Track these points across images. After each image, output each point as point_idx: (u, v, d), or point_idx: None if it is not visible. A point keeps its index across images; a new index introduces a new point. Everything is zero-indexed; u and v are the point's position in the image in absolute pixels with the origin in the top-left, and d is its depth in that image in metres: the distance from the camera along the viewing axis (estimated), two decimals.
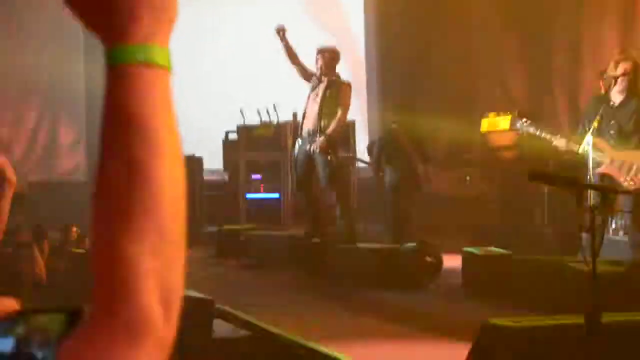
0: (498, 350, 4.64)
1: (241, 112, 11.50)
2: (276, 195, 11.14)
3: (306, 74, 8.43)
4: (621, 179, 6.64)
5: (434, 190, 10.38)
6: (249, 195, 11.20)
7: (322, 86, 8.34)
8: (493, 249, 7.07)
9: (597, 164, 6.79)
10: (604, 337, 3.98)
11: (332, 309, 7.08)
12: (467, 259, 6.78)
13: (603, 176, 6.70)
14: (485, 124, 9.98)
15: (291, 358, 5.38)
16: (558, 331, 4.91)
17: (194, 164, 11.43)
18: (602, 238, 6.89)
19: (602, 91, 8.56)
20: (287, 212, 11.06)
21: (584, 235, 6.12)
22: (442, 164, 10.79)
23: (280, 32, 8.60)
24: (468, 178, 10.56)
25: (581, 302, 5.20)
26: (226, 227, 10.02)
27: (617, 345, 4.59)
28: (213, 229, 10.38)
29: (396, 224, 9.15)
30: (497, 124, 9.83)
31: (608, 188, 6.20)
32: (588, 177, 7.33)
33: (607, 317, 4.08)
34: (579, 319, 4.19)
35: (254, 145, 11.28)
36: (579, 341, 4.08)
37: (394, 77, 12.70)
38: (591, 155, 7.30)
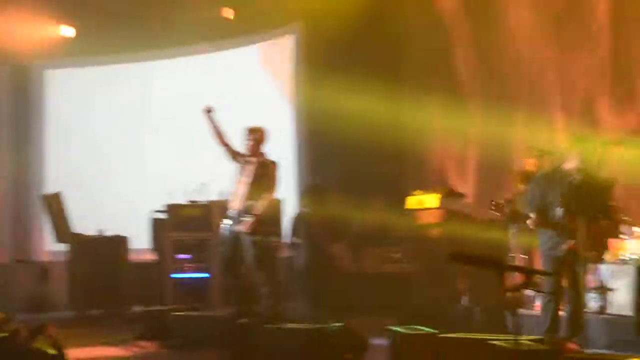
0: None
1: (169, 191, 11.48)
2: (205, 275, 11.12)
3: (234, 155, 8.49)
4: (591, 253, 7.00)
5: (361, 268, 10.60)
6: (176, 275, 11.16)
7: (250, 166, 8.40)
8: (418, 327, 7.17)
9: (560, 241, 6.89)
10: None
11: None
12: (394, 337, 6.75)
13: (570, 250, 6.83)
14: (413, 202, 10.15)
15: None
16: None
17: (119, 243, 11.62)
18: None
19: (533, 168, 8.76)
20: (215, 292, 11.01)
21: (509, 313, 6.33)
22: (369, 242, 10.96)
23: (208, 112, 8.70)
24: (397, 255, 10.69)
25: None
26: (152, 307, 9.94)
27: None
28: (139, 309, 10.37)
29: (310, 303, 9.33)
30: (424, 202, 10.00)
31: (529, 269, 6.52)
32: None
33: None
34: None
35: (182, 224, 11.30)
36: None
37: (323, 156, 12.90)
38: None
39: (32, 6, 12.84)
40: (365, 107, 11.36)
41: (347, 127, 11.67)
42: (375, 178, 11.72)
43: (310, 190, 10.55)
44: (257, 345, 7.85)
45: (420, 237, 10.11)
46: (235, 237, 8.40)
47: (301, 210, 10.24)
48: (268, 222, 8.91)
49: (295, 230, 9.81)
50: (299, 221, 9.80)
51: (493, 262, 4.89)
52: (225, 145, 8.50)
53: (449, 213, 9.74)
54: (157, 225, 11.66)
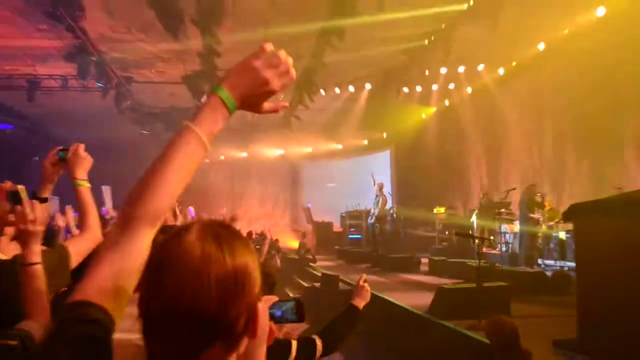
0: None
1: (347, 206, 16.88)
2: (359, 236, 16.35)
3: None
4: None
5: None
6: (350, 236, 16.63)
7: (375, 197, 13.03)
8: None
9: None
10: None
11: None
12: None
13: None
14: (437, 210, 14.73)
15: None
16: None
17: (328, 225, 17.49)
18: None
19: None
20: (364, 243, 15.56)
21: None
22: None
23: (378, 185, 12.75)
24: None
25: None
26: (344, 248, 15.22)
27: None
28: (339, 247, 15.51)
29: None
30: (439, 210, 14.62)
31: (479, 237, 8.14)
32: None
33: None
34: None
35: (351, 219, 16.69)
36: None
37: (403, 187, 17.14)
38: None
39: None
40: (420, 178, 15.97)
41: (414, 188, 16.31)
42: (431, 196, 15.62)
43: (408, 204, 15.37)
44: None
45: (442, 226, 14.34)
46: (373, 224, 12.71)
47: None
48: (384, 218, 13.62)
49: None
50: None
51: (468, 235, 9.43)
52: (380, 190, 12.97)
53: (449, 215, 14.34)
54: (343, 218, 16.34)
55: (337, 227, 17.57)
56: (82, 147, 2.25)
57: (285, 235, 17.40)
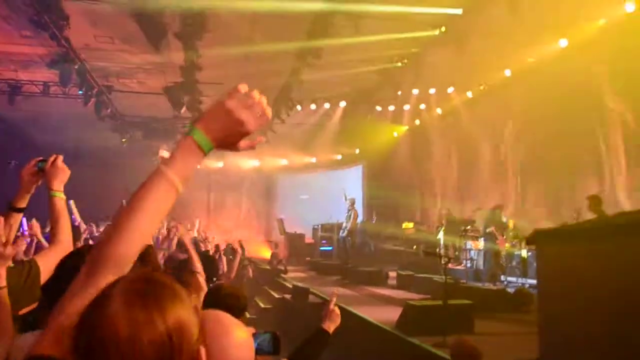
0: None
1: (319, 222, 16.70)
2: (330, 248, 16.04)
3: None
4: None
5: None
6: (322, 248, 16.49)
7: (347, 212, 12.98)
8: None
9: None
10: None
11: None
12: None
13: None
14: (405, 225, 15.13)
15: None
16: None
17: (300, 237, 17.24)
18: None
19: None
20: (335, 256, 14.92)
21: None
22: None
23: (349, 200, 12.60)
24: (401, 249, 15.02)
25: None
26: (315, 259, 15.15)
27: None
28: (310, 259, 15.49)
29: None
30: (408, 226, 14.96)
31: (437, 254, 10.19)
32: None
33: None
34: None
35: (324, 231, 16.49)
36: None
37: (374, 202, 17.39)
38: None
39: None
40: (390, 194, 16.15)
41: (384, 203, 16.54)
42: (403, 213, 16.24)
43: (376, 215, 16.28)
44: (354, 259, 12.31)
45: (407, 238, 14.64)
46: (344, 238, 12.95)
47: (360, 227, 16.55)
48: (355, 232, 13.57)
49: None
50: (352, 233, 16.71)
51: (435, 254, 10.01)
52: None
53: (417, 230, 14.65)
54: (315, 231, 16.59)
55: (308, 238, 17.57)
56: (60, 158, 2.21)
57: (258, 246, 17.43)
